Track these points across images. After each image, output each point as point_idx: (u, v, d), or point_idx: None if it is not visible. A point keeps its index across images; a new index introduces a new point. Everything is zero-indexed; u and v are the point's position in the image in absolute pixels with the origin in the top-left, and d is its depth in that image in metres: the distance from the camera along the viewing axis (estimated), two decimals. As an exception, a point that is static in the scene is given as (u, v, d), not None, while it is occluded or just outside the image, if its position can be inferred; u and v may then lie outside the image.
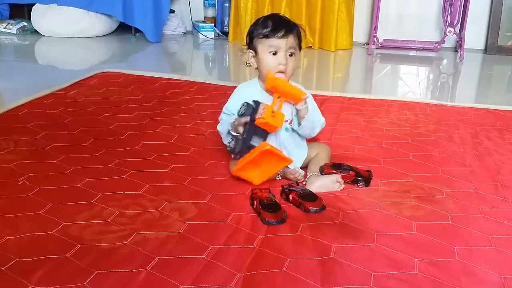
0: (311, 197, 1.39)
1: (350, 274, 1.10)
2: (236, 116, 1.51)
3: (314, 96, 1.70)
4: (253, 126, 1.44)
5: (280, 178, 1.53)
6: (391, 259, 1.16)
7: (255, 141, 1.45)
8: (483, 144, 1.92)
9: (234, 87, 1.63)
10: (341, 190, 1.49)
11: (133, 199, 1.38)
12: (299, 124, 1.52)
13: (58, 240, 1.18)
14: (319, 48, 3.69)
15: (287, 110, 1.52)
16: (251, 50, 1.51)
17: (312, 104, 1.55)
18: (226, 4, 3.94)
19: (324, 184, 1.48)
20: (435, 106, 2.38)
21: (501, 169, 1.70)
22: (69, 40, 3.63)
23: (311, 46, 3.71)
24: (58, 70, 3.00)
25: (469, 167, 1.71)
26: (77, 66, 3.11)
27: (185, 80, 2.64)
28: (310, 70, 3.26)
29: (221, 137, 1.61)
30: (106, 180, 1.49)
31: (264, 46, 1.47)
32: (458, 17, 3.48)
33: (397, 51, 3.72)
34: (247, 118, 1.44)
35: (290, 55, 1.47)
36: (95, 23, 3.71)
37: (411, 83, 3.03)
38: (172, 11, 4.01)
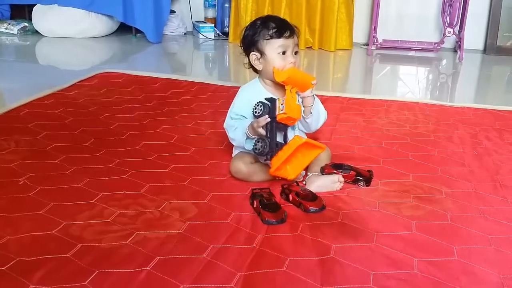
0: (311, 197, 1.39)
1: (350, 274, 1.11)
2: (245, 118, 1.51)
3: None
4: (275, 124, 1.43)
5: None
6: (390, 259, 1.17)
7: (278, 138, 1.44)
8: (482, 144, 1.93)
9: (235, 88, 1.63)
10: (340, 189, 1.49)
11: (133, 199, 1.39)
12: (307, 114, 1.52)
13: (59, 239, 1.18)
14: (319, 48, 3.70)
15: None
16: (255, 53, 1.51)
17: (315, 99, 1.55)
18: (227, 5, 3.95)
19: (324, 184, 1.48)
20: (435, 106, 2.39)
21: (500, 169, 1.70)
22: (70, 41, 3.64)
23: (311, 47, 3.72)
24: (59, 71, 3.00)
25: (468, 167, 1.72)
26: (78, 66, 3.12)
27: (186, 81, 2.65)
28: (310, 70, 3.26)
29: (221, 137, 1.61)
30: (106, 180, 1.49)
31: (273, 47, 1.47)
32: (458, 17, 3.48)
33: (397, 51, 3.73)
34: (267, 118, 1.43)
35: (295, 53, 1.50)
36: (96, 24, 3.72)
37: (410, 84, 3.03)
38: (172, 11, 4.01)
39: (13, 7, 3.97)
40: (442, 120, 2.19)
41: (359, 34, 3.86)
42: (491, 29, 3.67)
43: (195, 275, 1.07)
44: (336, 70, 3.43)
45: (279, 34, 1.46)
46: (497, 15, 3.64)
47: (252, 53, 1.51)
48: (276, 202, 1.36)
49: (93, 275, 1.05)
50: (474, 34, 3.67)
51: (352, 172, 1.55)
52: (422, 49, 3.74)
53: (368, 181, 1.54)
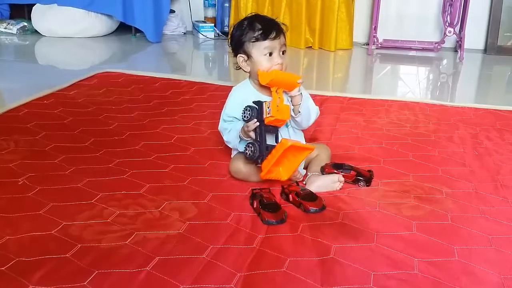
0: (311, 197, 1.39)
1: (350, 274, 1.10)
2: (238, 120, 1.51)
3: (314, 96, 1.70)
4: (264, 127, 1.44)
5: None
6: (391, 259, 1.16)
7: (269, 140, 1.45)
8: (483, 144, 1.93)
9: (230, 92, 1.63)
10: (341, 189, 1.49)
11: (133, 199, 1.38)
12: (296, 113, 1.52)
13: (58, 240, 1.18)
14: (319, 48, 3.69)
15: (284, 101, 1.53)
16: (242, 55, 1.51)
17: (304, 91, 1.54)
18: (226, 4, 3.94)
19: (324, 184, 1.48)
20: (435, 106, 2.39)
21: (501, 169, 1.70)
22: (69, 40, 3.64)
23: (311, 46, 3.72)
24: (58, 70, 3.00)
25: (469, 167, 1.72)
26: (77, 66, 3.11)
27: (185, 80, 2.64)
28: (310, 70, 3.26)
29: (221, 137, 1.61)
30: (106, 180, 1.49)
31: (259, 49, 1.47)
32: (458, 17, 3.48)
33: (397, 51, 3.72)
34: (256, 122, 1.43)
35: (283, 53, 1.49)
36: (95, 23, 3.71)
37: (411, 83, 3.03)
38: (172, 11, 4.01)
39: (13, 6, 3.97)
40: (442, 120, 2.19)
41: (360, 33, 3.86)
42: (492, 28, 3.67)
43: (195, 275, 1.07)
44: (336, 70, 3.43)
45: (264, 36, 1.46)
46: (497, 14, 3.63)
47: (239, 55, 1.51)
48: (276, 202, 1.36)
49: (92, 275, 1.05)
50: (475, 34, 3.67)
51: (352, 172, 1.54)
52: (423, 49, 3.74)
53: (368, 181, 1.54)
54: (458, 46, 3.60)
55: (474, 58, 3.58)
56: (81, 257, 1.11)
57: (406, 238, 1.26)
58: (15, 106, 2.07)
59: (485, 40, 3.73)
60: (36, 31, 3.77)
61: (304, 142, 1.61)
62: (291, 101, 1.51)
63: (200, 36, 3.96)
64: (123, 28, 3.87)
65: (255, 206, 1.35)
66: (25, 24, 3.81)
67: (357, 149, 1.82)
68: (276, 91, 1.45)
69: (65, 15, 3.64)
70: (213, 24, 4.01)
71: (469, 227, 1.32)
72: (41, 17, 3.70)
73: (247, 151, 1.44)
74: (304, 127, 1.59)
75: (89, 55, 3.45)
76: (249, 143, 1.45)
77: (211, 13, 4.06)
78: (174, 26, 4.04)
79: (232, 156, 1.60)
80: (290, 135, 1.55)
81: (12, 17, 3.96)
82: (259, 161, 1.43)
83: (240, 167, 1.51)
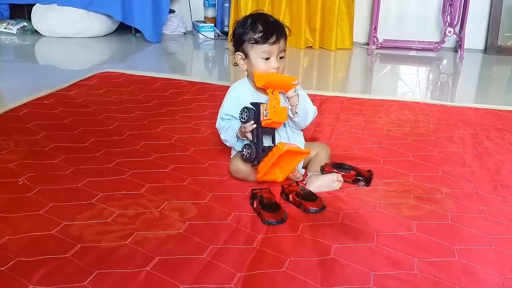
0: (311, 197, 1.39)
1: (350, 274, 1.10)
2: (235, 119, 1.52)
3: (314, 96, 1.70)
4: (261, 128, 1.44)
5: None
6: (391, 259, 1.16)
7: (266, 141, 1.46)
8: (483, 144, 1.93)
9: (227, 90, 1.63)
10: (341, 189, 1.49)
11: (133, 199, 1.38)
12: (294, 113, 1.51)
13: (58, 240, 1.18)
14: (319, 48, 3.69)
15: (282, 102, 1.53)
16: (240, 53, 1.51)
17: (301, 91, 1.54)
18: (226, 4, 3.94)
19: (324, 184, 1.48)
20: (435, 106, 2.38)
21: (501, 169, 1.70)
22: (69, 40, 3.63)
23: (311, 46, 3.71)
24: (58, 70, 3.00)
25: (469, 167, 1.72)
26: (77, 66, 3.11)
27: (185, 80, 2.64)
28: (310, 70, 3.26)
29: (221, 137, 1.61)
30: (106, 180, 1.49)
31: (256, 52, 1.47)
32: (458, 17, 3.48)
33: (397, 51, 3.72)
34: (253, 124, 1.43)
35: (281, 58, 1.49)
36: (95, 23, 3.71)
37: (411, 83, 3.03)
38: (172, 11, 4.01)
39: (13, 6, 3.96)
40: (442, 120, 2.19)
41: (360, 33, 3.86)
42: (492, 28, 3.67)
43: (195, 275, 1.07)
44: (336, 70, 3.43)
45: (264, 40, 1.45)
46: (497, 14, 3.63)
47: (238, 53, 1.51)
48: (276, 202, 1.36)
49: (92, 276, 1.05)
50: (475, 34, 3.67)
51: (352, 172, 1.54)
52: (423, 49, 3.74)
53: (368, 181, 1.54)
54: (458, 46, 3.60)
55: (474, 58, 3.58)
56: (81, 257, 1.11)
57: (406, 238, 1.26)
58: (15, 106, 2.07)
59: (485, 40, 3.73)
60: (36, 31, 3.77)
61: (303, 142, 1.61)
62: (288, 101, 1.51)
63: (200, 36, 3.96)
64: (123, 28, 3.87)
65: (255, 206, 1.35)
66: (25, 24, 3.81)
67: (357, 149, 1.82)
68: (272, 93, 1.45)
69: (65, 15, 3.64)
70: (213, 24, 4.01)
71: (469, 227, 1.32)
72: (41, 17, 3.70)
73: (243, 152, 1.46)
74: (302, 126, 1.59)
75: (89, 55, 3.45)
76: (246, 144, 1.46)
77: (211, 13, 4.06)
78: (174, 26, 4.04)
79: (231, 155, 1.60)
80: (289, 135, 1.55)
81: (12, 17, 3.96)
82: (255, 163, 1.44)
83: (240, 166, 1.51)
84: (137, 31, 3.84)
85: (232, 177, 1.54)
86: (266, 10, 3.62)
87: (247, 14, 1.55)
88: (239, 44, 1.51)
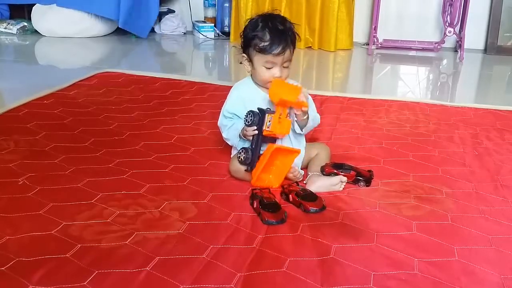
0: (311, 197, 1.39)
1: (350, 274, 1.10)
2: (238, 117, 1.52)
3: (314, 96, 1.70)
4: (261, 136, 1.45)
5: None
6: (391, 259, 1.16)
7: (265, 148, 1.46)
8: (483, 144, 1.93)
9: (231, 88, 1.63)
10: (341, 190, 1.49)
11: (133, 199, 1.38)
12: (299, 129, 1.52)
13: (58, 240, 1.18)
14: (319, 48, 3.69)
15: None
16: (245, 55, 1.51)
17: (310, 102, 1.54)
18: (226, 4, 3.94)
19: (324, 185, 1.48)
20: (435, 106, 2.38)
21: (501, 169, 1.70)
22: (69, 40, 3.63)
23: (311, 46, 3.71)
24: (58, 70, 3.00)
25: (469, 167, 1.72)
26: (77, 66, 3.11)
27: (185, 80, 2.64)
28: (310, 70, 3.26)
29: (221, 137, 1.61)
30: (106, 180, 1.49)
31: (260, 60, 1.46)
32: (458, 17, 3.48)
33: (397, 51, 3.72)
34: (255, 130, 1.44)
35: (285, 66, 1.48)
36: (95, 24, 3.71)
37: (411, 83, 3.03)
38: (172, 11, 4.01)
39: (12, 7, 3.96)
40: (442, 120, 2.19)
41: (360, 33, 3.86)
42: (492, 28, 3.67)
43: (195, 275, 1.07)
44: (336, 70, 3.43)
45: (269, 50, 1.43)
46: (497, 14, 3.63)
47: (242, 54, 1.51)
48: (276, 202, 1.36)
49: (92, 276, 1.05)
50: (475, 34, 3.66)
51: (352, 172, 1.54)
52: (423, 49, 3.74)
53: (368, 181, 1.54)
54: (458, 46, 3.60)
55: (474, 58, 3.58)
56: (81, 257, 1.11)
57: (406, 238, 1.26)
58: (15, 106, 2.07)
59: (485, 40, 3.73)
60: (36, 31, 3.77)
61: (305, 144, 1.61)
62: (295, 117, 1.49)
63: (200, 36, 3.95)
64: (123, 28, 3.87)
65: (255, 206, 1.35)
66: (25, 24, 3.80)
67: (357, 149, 1.82)
68: (281, 110, 1.44)
69: (65, 15, 3.64)
70: (213, 24, 4.01)
71: (469, 227, 1.32)
72: (41, 17, 3.70)
73: (239, 155, 1.47)
74: (303, 133, 1.59)
75: (89, 55, 3.45)
76: (243, 148, 1.47)
77: (211, 13, 4.06)
78: (174, 26, 4.04)
79: (231, 155, 1.60)
80: (292, 140, 1.55)
81: (12, 17, 3.96)
82: (249, 168, 1.45)
83: (240, 166, 1.50)
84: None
85: (232, 177, 1.54)
86: (266, 10, 3.61)
87: (259, 15, 1.52)
88: (245, 46, 1.50)
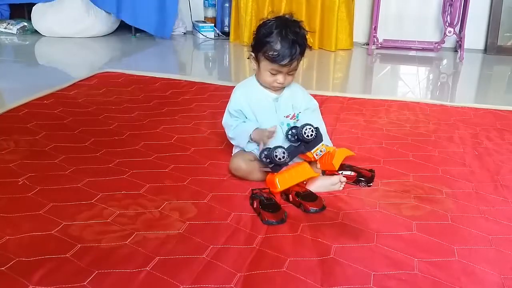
0: (311, 197, 1.39)
1: (350, 274, 1.10)
2: (244, 116, 1.54)
3: (314, 96, 1.70)
4: (295, 150, 1.45)
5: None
6: (391, 259, 1.16)
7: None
8: (483, 144, 1.93)
9: (234, 87, 1.63)
10: (341, 189, 1.49)
11: (133, 199, 1.38)
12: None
13: (58, 240, 1.18)
14: (319, 48, 3.69)
15: (287, 106, 1.54)
16: (253, 54, 1.51)
17: (318, 115, 1.60)
18: (226, 4, 3.94)
19: (324, 184, 1.48)
20: (435, 106, 2.38)
21: (501, 169, 1.70)
22: (69, 40, 3.63)
23: (311, 46, 3.70)
24: (58, 70, 3.00)
25: (469, 167, 1.72)
26: (77, 66, 3.11)
27: (185, 80, 2.64)
28: (310, 70, 3.26)
29: (221, 137, 1.61)
30: (106, 180, 1.49)
31: (267, 66, 1.47)
32: (458, 17, 3.48)
33: (397, 51, 3.72)
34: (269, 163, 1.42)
35: (290, 75, 1.49)
36: (95, 23, 3.71)
37: (411, 83, 3.03)
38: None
39: (12, 6, 3.96)
40: (442, 120, 2.19)
41: (360, 33, 3.86)
42: (492, 28, 3.67)
43: (195, 275, 1.07)
44: (336, 70, 3.43)
45: (276, 60, 1.44)
46: (497, 14, 3.63)
47: (251, 53, 1.52)
48: (276, 202, 1.36)
49: (92, 276, 1.05)
50: (475, 34, 3.66)
51: (353, 173, 1.54)
52: (423, 49, 3.74)
53: (369, 181, 1.54)
54: (458, 46, 3.60)
55: (474, 58, 3.58)
56: (81, 257, 1.11)
57: (406, 238, 1.26)
58: (15, 106, 2.07)
59: (485, 40, 3.73)
60: (36, 31, 3.77)
61: None
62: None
63: (200, 36, 3.95)
64: (123, 28, 3.87)
65: (255, 206, 1.35)
66: (25, 24, 3.80)
67: (357, 149, 1.82)
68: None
69: (65, 15, 3.64)
70: (213, 24, 4.01)
71: (469, 227, 1.32)
72: (41, 17, 3.70)
73: (277, 154, 1.40)
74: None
75: (89, 55, 3.45)
76: (283, 149, 1.42)
77: (211, 13, 4.06)
78: (174, 26, 4.03)
79: (232, 154, 1.60)
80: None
81: (12, 17, 3.96)
82: (277, 168, 1.41)
83: (240, 164, 1.51)
84: (137, 31, 3.84)
85: (232, 177, 1.54)
86: (266, 10, 3.61)
87: (275, 17, 1.51)
88: (255, 48, 1.50)
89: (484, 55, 3.68)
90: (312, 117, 1.59)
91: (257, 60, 1.50)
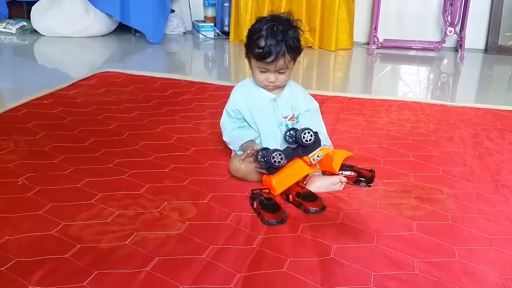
0: (311, 197, 1.39)
1: (350, 274, 1.10)
2: (241, 121, 1.54)
3: (314, 96, 1.70)
4: (293, 149, 1.45)
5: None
6: (391, 259, 1.16)
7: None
8: (484, 144, 1.92)
9: (233, 87, 1.63)
10: (341, 189, 1.48)
11: (133, 199, 1.38)
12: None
13: (58, 240, 1.17)
14: (319, 48, 3.69)
15: (286, 107, 1.53)
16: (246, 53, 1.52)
17: (318, 117, 1.59)
18: (226, 4, 3.94)
19: (324, 184, 1.48)
20: (436, 106, 2.38)
21: (502, 169, 1.70)
22: (69, 40, 3.63)
23: (311, 46, 3.71)
24: (58, 70, 3.00)
25: (470, 167, 1.71)
26: (77, 66, 3.11)
27: (185, 80, 2.64)
28: (310, 70, 3.26)
29: (220, 137, 1.61)
30: (105, 180, 1.49)
31: (255, 64, 1.48)
32: (459, 17, 3.48)
33: (398, 51, 3.72)
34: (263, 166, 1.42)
35: (281, 73, 1.48)
36: (95, 23, 3.71)
37: (411, 83, 3.02)
38: (172, 10, 4.01)
39: (11, 6, 3.95)
40: (443, 120, 2.19)
41: (360, 33, 3.86)
42: (493, 28, 3.66)
43: (194, 275, 1.07)
44: (336, 70, 3.42)
45: (261, 58, 1.44)
46: (498, 14, 3.63)
47: (245, 52, 1.52)
48: (276, 202, 1.36)
49: (92, 276, 1.05)
50: (475, 34, 3.66)
51: (353, 173, 1.54)
52: (423, 49, 3.73)
53: (370, 181, 1.53)
54: (459, 45, 3.60)
55: (474, 58, 3.58)
56: (81, 257, 1.11)
57: (406, 239, 1.25)
58: (14, 106, 2.07)
59: (486, 40, 3.73)
60: (35, 30, 3.77)
61: None
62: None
63: (200, 36, 3.95)
64: (123, 28, 3.87)
65: (255, 206, 1.34)
66: (25, 23, 3.80)
67: (357, 149, 1.82)
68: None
69: (64, 15, 3.64)
70: (213, 24, 4.00)
71: (470, 227, 1.32)
72: (40, 16, 3.69)
73: (275, 158, 1.39)
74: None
75: (88, 55, 3.45)
76: (279, 152, 1.40)
77: (211, 12, 4.06)
78: (174, 26, 4.04)
79: (232, 155, 1.60)
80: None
81: (10, 16, 3.96)
82: (273, 171, 1.40)
83: (240, 165, 1.50)
84: (136, 31, 3.84)
85: (232, 177, 1.54)
86: (266, 9, 3.61)
87: (269, 15, 1.51)
88: (246, 46, 1.50)
89: (484, 55, 3.68)
90: (312, 119, 1.58)
91: (249, 58, 1.50)
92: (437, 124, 2.14)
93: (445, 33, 3.54)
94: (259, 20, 1.50)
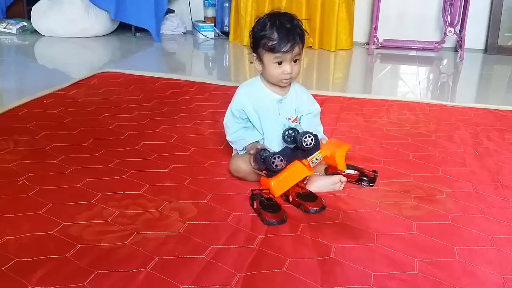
0: (311, 197, 1.39)
1: (350, 274, 1.10)
2: (246, 121, 1.54)
3: (314, 96, 1.70)
4: (292, 151, 1.45)
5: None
6: (391, 259, 1.16)
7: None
8: (483, 144, 1.92)
9: (234, 87, 1.63)
10: (341, 189, 1.49)
11: (133, 199, 1.38)
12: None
13: (58, 240, 1.17)
14: (319, 48, 3.69)
15: (291, 109, 1.54)
16: (255, 55, 1.51)
17: (317, 121, 1.59)
18: (226, 4, 3.94)
19: (324, 184, 1.48)
20: (435, 106, 2.38)
21: (501, 169, 1.70)
22: (69, 40, 3.63)
23: (311, 46, 3.71)
24: (58, 70, 3.00)
25: (469, 167, 1.71)
26: (77, 66, 3.11)
27: (185, 80, 2.64)
28: (310, 70, 3.26)
29: (222, 137, 1.61)
30: (106, 180, 1.49)
31: (270, 58, 1.47)
32: (458, 17, 3.48)
33: (397, 51, 3.72)
34: (262, 168, 1.42)
35: (295, 62, 1.48)
36: (95, 23, 3.71)
37: (411, 83, 3.03)
38: (172, 11, 4.01)
39: (10, 5, 3.95)
40: (443, 120, 2.19)
41: (360, 33, 3.86)
42: (492, 28, 3.67)
43: (194, 275, 1.07)
44: (336, 70, 3.42)
45: (277, 48, 1.44)
46: (498, 14, 3.63)
47: (253, 54, 1.51)
48: (276, 202, 1.36)
49: (92, 276, 1.05)
50: (475, 34, 3.66)
51: (356, 173, 1.54)
52: (423, 49, 3.73)
53: (372, 182, 1.53)
54: (459, 46, 3.60)
55: (474, 58, 3.58)
56: (81, 257, 1.11)
57: (406, 238, 1.25)
58: (14, 106, 2.07)
59: (486, 40, 3.73)
60: (35, 31, 3.77)
61: None
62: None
63: (200, 36, 3.95)
64: (123, 28, 3.87)
65: (255, 206, 1.35)
66: (25, 24, 3.81)
67: (357, 149, 1.82)
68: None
69: (65, 15, 3.64)
70: (213, 24, 4.01)
71: (470, 228, 1.32)
72: (40, 17, 3.70)
73: (275, 161, 1.38)
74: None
75: (88, 55, 3.45)
76: (279, 155, 1.40)
77: (211, 13, 4.06)
78: (174, 26, 4.04)
79: (232, 154, 1.60)
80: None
81: (9, 16, 3.95)
82: (272, 174, 1.39)
83: (240, 165, 1.51)
84: (137, 31, 3.84)
85: (232, 177, 1.54)
86: (266, 10, 3.61)
87: (266, 13, 1.52)
88: (255, 46, 1.50)
89: (484, 55, 3.68)
90: (312, 122, 1.58)
91: (259, 57, 1.50)
92: (437, 124, 2.14)
93: (445, 33, 3.54)
94: (260, 19, 1.50)
